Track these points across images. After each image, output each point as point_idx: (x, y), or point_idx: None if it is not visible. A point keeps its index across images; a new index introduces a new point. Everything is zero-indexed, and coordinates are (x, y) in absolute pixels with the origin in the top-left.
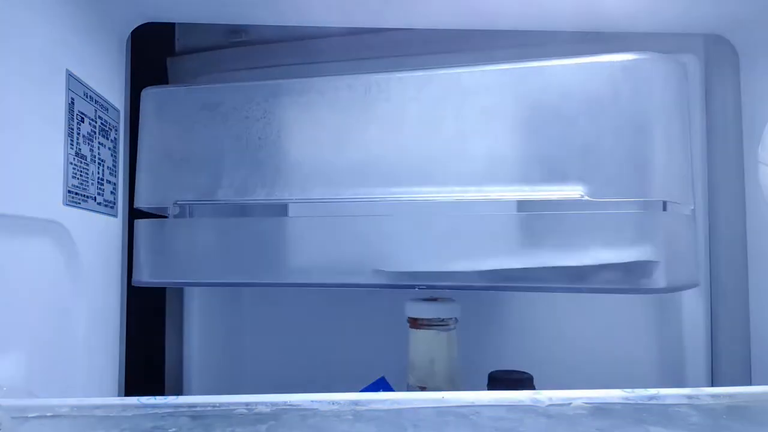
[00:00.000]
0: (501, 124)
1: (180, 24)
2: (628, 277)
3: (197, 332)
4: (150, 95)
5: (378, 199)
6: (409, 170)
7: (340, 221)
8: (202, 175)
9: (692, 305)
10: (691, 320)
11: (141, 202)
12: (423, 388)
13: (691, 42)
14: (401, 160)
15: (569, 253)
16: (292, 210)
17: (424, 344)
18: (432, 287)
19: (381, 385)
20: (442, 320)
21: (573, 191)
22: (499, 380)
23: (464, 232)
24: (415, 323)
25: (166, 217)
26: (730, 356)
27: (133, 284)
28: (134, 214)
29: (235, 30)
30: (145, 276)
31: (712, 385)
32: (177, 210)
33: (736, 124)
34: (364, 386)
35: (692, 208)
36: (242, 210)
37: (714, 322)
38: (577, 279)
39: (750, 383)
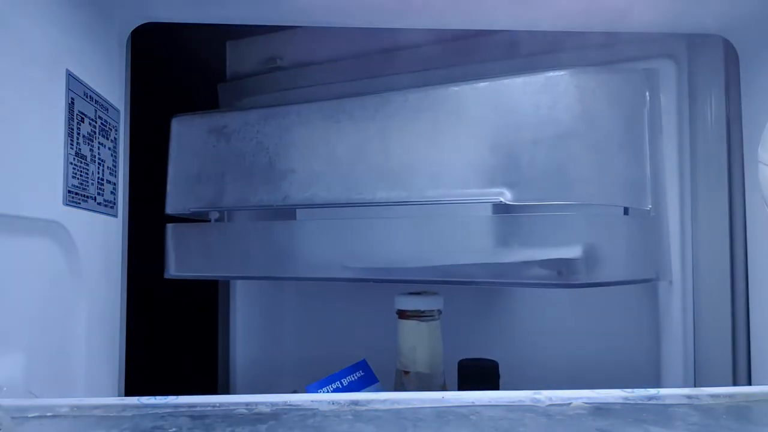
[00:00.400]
0: (443, 137)
1: (231, 51)
2: (552, 273)
3: (241, 329)
4: (176, 122)
5: (348, 204)
6: (377, 178)
7: (335, 223)
8: (211, 186)
9: (671, 302)
10: (669, 317)
11: (169, 209)
12: (407, 372)
13: (671, 46)
14: (363, 170)
15: (501, 252)
16: (299, 214)
17: (407, 333)
18: (392, 281)
19: (360, 366)
20: (423, 312)
21: (496, 196)
22: (468, 366)
23: (418, 234)
24: (402, 314)
25: (192, 221)
26: (711, 354)
27: (165, 277)
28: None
29: (271, 58)
30: (172, 271)
31: (695, 384)
32: (216, 215)
33: (719, 126)
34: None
35: (648, 208)
36: (257, 215)
37: (696, 320)
38: (509, 275)
39: (734, 382)
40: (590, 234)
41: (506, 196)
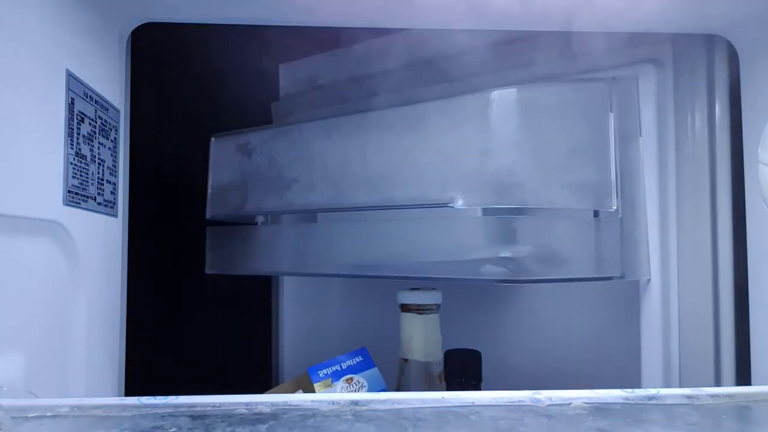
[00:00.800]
0: (410, 149)
1: (283, 73)
2: (503, 270)
3: (288, 325)
4: (214, 140)
5: (345, 207)
6: (358, 185)
7: (331, 226)
8: (237, 195)
9: (651, 302)
10: (649, 316)
11: (208, 215)
12: (406, 360)
13: (657, 51)
14: (352, 178)
15: (463, 250)
16: (320, 217)
17: (406, 324)
18: (364, 277)
19: (360, 352)
20: (420, 305)
21: (449, 201)
22: (453, 355)
23: (390, 236)
24: (403, 308)
25: (227, 224)
26: (694, 354)
27: (206, 272)
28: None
29: (312, 77)
30: (212, 268)
31: (679, 384)
32: (262, 218)
33: (702, 128)
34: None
35: (613, 209)
36: (289, 218)
37: (681, 319)
38: (463, 271)
39: (715, 382)
40: (538, 234)
41: (457, 202)
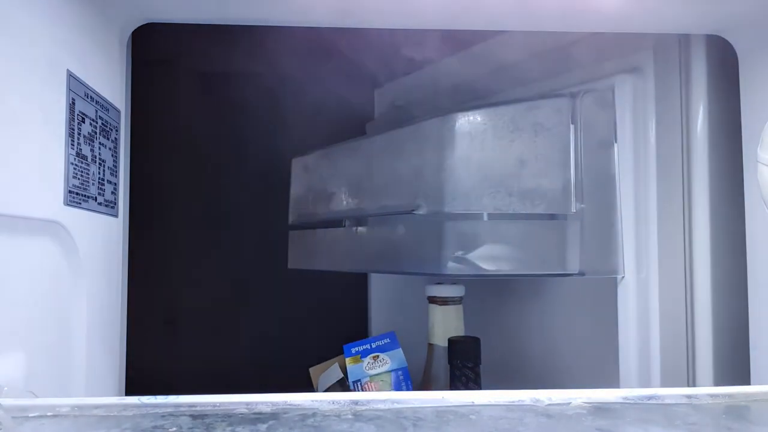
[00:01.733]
0: (392, 166)
1: (378, 99)
2: (453, 266)
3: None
4: (294, 161)
5: (352, 214)
6: (361, 196)
7: (360, 229)
8: (302, 204)
9: (627, 299)
10: (625, 313)
11: (291, 220)
12: (431, 345)
13: (636, 60)
14: (358, 190)
15: (424, 250)
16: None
17: (431, 314)
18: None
19: (388, 335)
20: (443, 297)
21: (414, 208)
22: (455, 342)
23: (372, 238)
24: (430, 300)
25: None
26: (670, 352)
27: (288, 267)
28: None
29: (393, 100)
30: (293, 264)
31: (661, 383)
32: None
33: (674, 132)
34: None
35: (572, 212)
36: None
37: (661, 318)
38: (425, 267)
39: (688, 381)
40: (491, 235)
41: (420, 209)
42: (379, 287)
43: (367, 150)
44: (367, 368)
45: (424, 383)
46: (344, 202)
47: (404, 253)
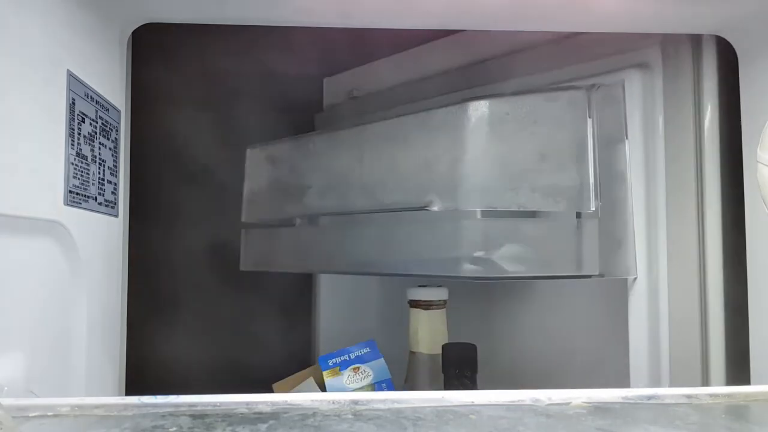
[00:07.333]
0: (397, 158)
1: (326, 87)
2: (475, 268)
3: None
4: (249, 151)
5: (346, 212)
6: (356, 191)
7: (334, 228)
8: (262, 201)
9: (638, 301)
10: (637, 315)
11: (243, 218)
12: (413, 353)
13: (645, 56)
14: (351, 185)
15: (443, 249)
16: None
17: (413, 319)
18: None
19: (368, 344)
20: (427, 301)
21: (427, 204)
22: (450, 349)
23: (380, 236)
24: (412, 303)
25: (259, 226)
26: (683, 353)
27: (241, 269)
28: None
29: (350, 90)
30: (246, 266)
31: (670, 383)
32: (298, 220)
33: (687, 129)
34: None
35: (591, 210)
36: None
37: (670, 319)
38: (438, 268)
39: (702, 381)
40: (511, 234)
41: (434, 205)
42: (328, 289)
43: (358, 140)
44: (348, 382)
45: None
46: (326, 198)
47: (409, 253)
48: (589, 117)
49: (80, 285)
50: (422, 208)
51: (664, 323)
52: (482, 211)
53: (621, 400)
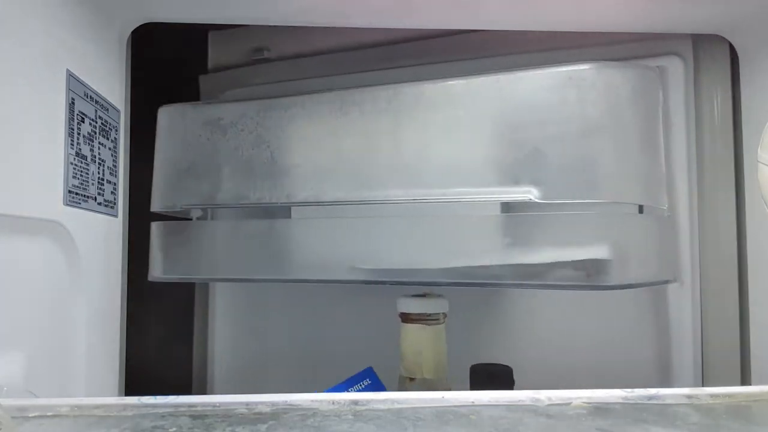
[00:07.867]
0: (461, 133)
1: (213, 43)
2: (580, 275)
3: (222, 332)
4: (164, 112)
5: (359, 202)
6: (390, 175)
7: (332, 222)
8: (204, 181)
9: (680, 303)
10: (679, 318)
11: (156, 206)
12: (412, 379)
13: (678, 44)
14: (374, 165)
15: (527, 252)
16: (294, 212)
17: (412, 337)
18: (405, 283)
19: (367, 374)
20: (429, 315)
21: (524, 194)
22: (480, 372)
23: (433, 233)
24: (405, 317)
25: (179, 219)
26: (720, 355)
27: (149, 280)
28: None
29: (258, 48)
30: (158, 272)
31: (703, 384)
32: (199, 212)
33: (725, 125)
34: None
35: (665, 207)
36: (252, 213)
37: (704, 320)
38: (534, 276)
39: (742, 382)
40: (616, 234)
41: (534, 194)
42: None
43: (391, 105)
44: None
45: None
46: (326, 182)
47: (478, 255)
48: (659, 102)
49: (80, 285)
50: (524, 200)
51: (696, 324)
52: (603, 204)
53: (621, 401)
